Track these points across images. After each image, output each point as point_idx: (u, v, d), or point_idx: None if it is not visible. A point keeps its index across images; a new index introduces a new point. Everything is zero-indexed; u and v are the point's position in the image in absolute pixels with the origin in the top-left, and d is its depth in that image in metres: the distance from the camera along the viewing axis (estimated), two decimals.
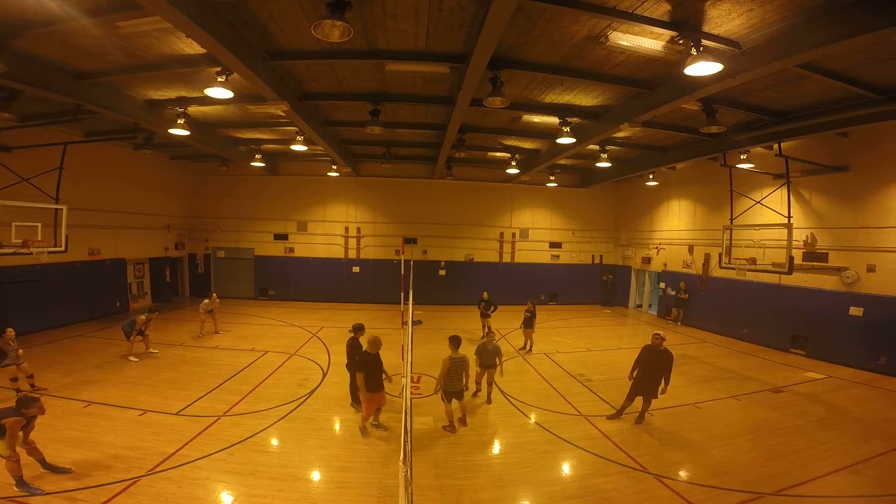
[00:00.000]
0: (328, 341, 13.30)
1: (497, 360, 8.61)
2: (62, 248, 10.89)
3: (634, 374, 8.03)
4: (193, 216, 20.58)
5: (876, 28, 5.57)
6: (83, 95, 9.43)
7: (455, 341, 7.72)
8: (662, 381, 7.71)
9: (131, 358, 10.61)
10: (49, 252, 10.59)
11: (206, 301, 13.54)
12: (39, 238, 10.36)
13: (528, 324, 12.53)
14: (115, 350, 11.16)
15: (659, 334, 7.90)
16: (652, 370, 7.76)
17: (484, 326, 14.02)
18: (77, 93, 9.30)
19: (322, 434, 7.35)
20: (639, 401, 7.97)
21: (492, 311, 14.01)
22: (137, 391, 8.72)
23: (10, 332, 8.50)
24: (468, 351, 8.31)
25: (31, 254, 10.15)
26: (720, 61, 6.62)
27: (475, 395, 8.98)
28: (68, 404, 7.94)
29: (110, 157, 15.30)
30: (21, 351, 8.58)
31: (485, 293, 14.38)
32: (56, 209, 10.84)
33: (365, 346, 7.34)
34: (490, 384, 8.90)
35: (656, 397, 7.81)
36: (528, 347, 12.78)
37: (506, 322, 15.44)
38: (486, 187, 21.01)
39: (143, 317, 10.99)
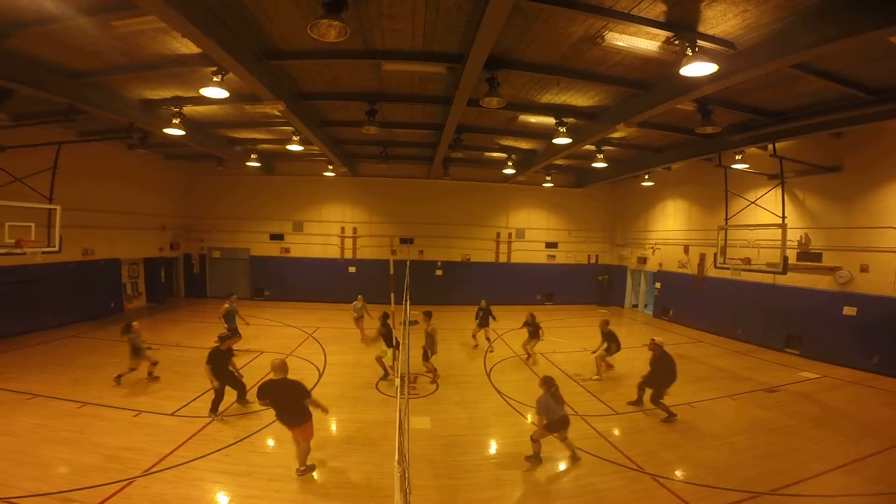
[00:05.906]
0: (324, 342, 13.28)
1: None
2: (56, 249, 10.80)
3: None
4: (188, 216, 20.48)
5: (868, 29, 5.61)
6: (77, 95, 9.37)
7: (428, 314, 10.52)
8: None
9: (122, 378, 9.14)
10: (43, 252, 10.53)
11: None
12: (33, 238, 10.29)
13: (534, 334, 11.83)
14: (109, 351, 11.06)
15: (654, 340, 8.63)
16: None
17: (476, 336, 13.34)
18: (71, 92, 9.24)
19: (318, 434, 7.26)
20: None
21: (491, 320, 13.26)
22: (132, 392, 8.67)
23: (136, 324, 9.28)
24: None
25: (25, 254, 10.08)
26: (715, 62, 6.66)
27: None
28: (62, 405, 7.89)
29: (105, 157, 15.19)
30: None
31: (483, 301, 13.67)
32: (50, 209, 10.75)
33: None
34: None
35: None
36: (531, 357, 11.97)
37: (502, 322, 15.42)
38: (482, 187, 21.01)
39: (136, 323, 9.51)
